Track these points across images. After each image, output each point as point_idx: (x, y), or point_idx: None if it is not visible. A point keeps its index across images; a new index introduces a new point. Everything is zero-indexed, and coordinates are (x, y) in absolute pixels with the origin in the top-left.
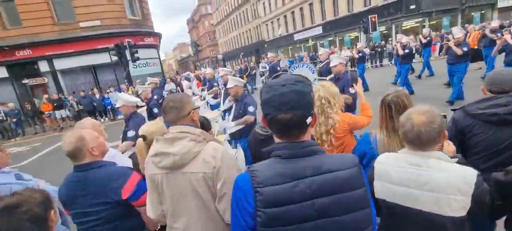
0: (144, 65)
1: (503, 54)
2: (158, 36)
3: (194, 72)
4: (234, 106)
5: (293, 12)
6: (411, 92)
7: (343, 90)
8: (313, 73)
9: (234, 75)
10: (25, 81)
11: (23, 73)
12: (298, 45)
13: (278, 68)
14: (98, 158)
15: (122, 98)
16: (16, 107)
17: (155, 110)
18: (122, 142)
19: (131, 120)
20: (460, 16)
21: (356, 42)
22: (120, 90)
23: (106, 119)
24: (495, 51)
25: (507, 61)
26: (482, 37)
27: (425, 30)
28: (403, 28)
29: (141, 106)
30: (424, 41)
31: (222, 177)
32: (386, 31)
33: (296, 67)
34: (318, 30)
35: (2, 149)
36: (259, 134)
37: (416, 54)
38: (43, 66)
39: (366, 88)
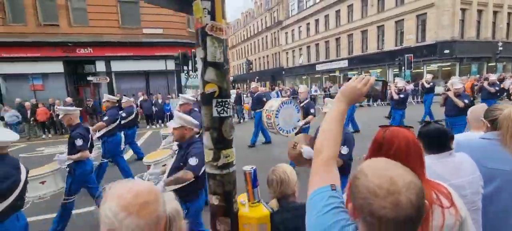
0: (195, 77)
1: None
2: None
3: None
4: (176, 154)
5: (317, 44)
6: None
7: None
8: (298, 112)
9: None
10: (90, 78)
11: (78, 70)
12: (317, 76)
13: (264, 100)
14: None
15: None
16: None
17: (79, 142)
18: None
19: None
20: (486, 65)
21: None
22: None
23: (162, 124)
24: None
25: None
26: (480, 90)
27: (428, 76)
28: (428, 69)
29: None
30: (427, 86)
31: None
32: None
33: (285, 103)
34: (344, 63)
35: None
36: None
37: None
38: (100, 66)
39: (356, 130)
